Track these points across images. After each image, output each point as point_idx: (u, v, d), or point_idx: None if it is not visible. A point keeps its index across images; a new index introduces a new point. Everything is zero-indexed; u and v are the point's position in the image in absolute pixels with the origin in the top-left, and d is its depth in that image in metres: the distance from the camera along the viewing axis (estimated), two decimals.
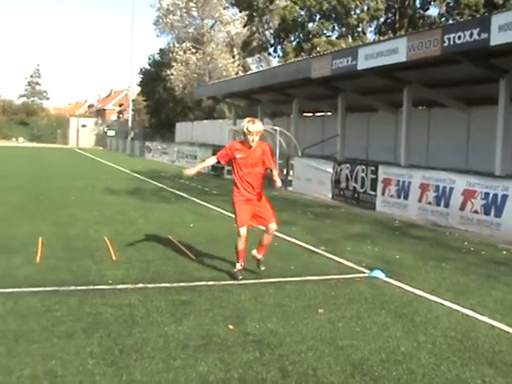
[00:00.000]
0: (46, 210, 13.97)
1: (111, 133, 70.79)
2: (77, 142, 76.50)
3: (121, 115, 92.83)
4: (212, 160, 8.25)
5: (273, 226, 7.96)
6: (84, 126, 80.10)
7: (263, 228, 8.12)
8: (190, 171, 8.18)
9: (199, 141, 42.04)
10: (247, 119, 7.79)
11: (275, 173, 7.70)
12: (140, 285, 7.33)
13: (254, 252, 8.17)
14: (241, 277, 7.78)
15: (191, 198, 17.76)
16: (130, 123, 63.26)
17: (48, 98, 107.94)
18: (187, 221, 12.78)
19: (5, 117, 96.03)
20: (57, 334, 5.51)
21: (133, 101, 65.05)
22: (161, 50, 62.21)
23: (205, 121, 50.09)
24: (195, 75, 53.61)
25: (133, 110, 65.09)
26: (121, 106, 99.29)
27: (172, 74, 53.73)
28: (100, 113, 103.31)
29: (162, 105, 61.90)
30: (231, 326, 5.91)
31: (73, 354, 5.04)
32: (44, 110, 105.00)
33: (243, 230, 7.74)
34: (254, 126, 7.63)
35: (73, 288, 7.10)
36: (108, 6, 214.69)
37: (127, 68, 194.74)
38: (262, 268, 8.19)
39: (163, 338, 5.52)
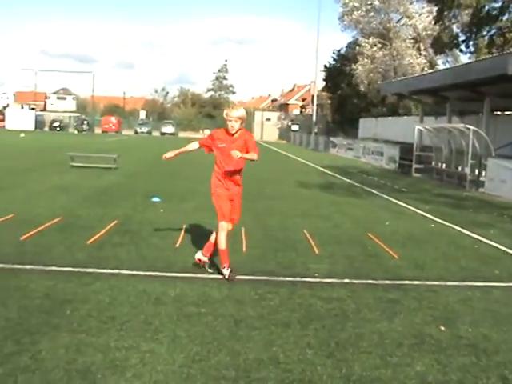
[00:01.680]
0: (245, 201, 14.43)
1: (295, 127, 72.01)
2: (261, 135, 78.61)
3: (303, 110, 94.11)
4: (194, 145, 7.54)
5: (231, 226, 7.39)
6: (268, 119, 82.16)
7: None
8: (169, 154, 7.51)
9: (383, 137, 41.56)
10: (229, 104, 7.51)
11: (246, 154, 6.99)
12: (346, 280, 7.40)
13: (200, 255, 7.49)
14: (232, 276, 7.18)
15: (382, 195, 17.62)
16: (314, 118, 63.91)
17: (234, 92, 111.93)
18: (382, 218, 12.70)
19: (194, 110, 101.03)
20: (273, 322, 5.71)
21: (316, 96, 65.60)
22: (348, 44, 62.24)
23: (389, 117, 49.42)
24: (380, 71, 53.05)
25: (316, 105, 65.67)
26: (303, 100, 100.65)
27: (357, 69, 53.55)
28: (283, 107, 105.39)
29: (345, 100, 62.00)
30: (443, 328, 5.82)
31: (291, 342, 5.20)
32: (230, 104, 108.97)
33: (225, 225, 7.20)
34: (234, 112, 6.99)
35: (281, 279, 7.32)
36: (294, 2, 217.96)
37: (310, 63, 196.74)
38: (210, 270, 7.47)
39: (377, 334, 5.54)
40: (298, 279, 7.32)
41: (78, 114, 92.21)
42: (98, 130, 75.72)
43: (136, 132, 76.03)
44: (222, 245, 7.14)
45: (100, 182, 16.93)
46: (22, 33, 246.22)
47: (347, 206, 14.61)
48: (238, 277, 7.18)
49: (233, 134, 7.09)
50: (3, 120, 73.24)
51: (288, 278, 7.33)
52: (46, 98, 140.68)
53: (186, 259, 7.94)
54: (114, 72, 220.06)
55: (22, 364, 4.45)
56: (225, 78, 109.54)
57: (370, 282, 7.41)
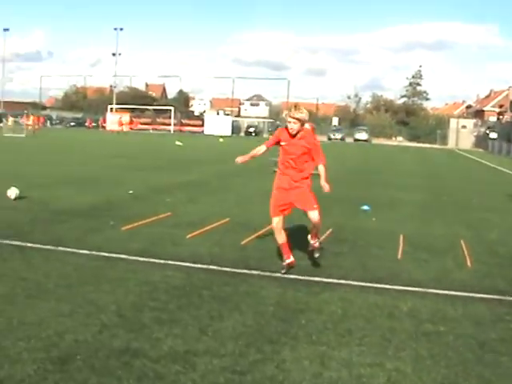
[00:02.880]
0: (454, 211, 13.90)
1: (493, 135, 68.52)
2: (456, 142, 75.84)
3: (501, 117, 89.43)
4: (262, 148, 7.54)
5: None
6: (464, 127, 79.07)
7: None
8: (241, 159, 7.62)
9: None
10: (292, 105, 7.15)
11: (322, 175, 7.39)
12: None
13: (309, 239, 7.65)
14: (283, 271, 7.31)
15: None
16: None
17: (428, 99, 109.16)
18: None
19: (387, 116, 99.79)
20: None
21: None
22: None
23: None
24: None
25: None
26: (501, 107, 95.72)
27: None
28: (478, 114, 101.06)
29: None
30: None
31: None
32: (423, 110, 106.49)
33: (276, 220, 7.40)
34: (295, 113, 7.05)
35: None
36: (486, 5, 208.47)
37: (508, 67, 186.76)
38: (316, 255, 7.66)
39: None
40: None
41: (272, 120, 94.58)
42: None
43: (329, 138, 76.41)
44: (280, 239, 7.38)
45: None
46: (218, 43, 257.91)
47: None
48: (469, 294, 6.79)
49: (294, 136, 7.20)
50: (202, 125, 76.92)
51: None
52: (240, 104, 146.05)
53: (410, 271, 7.68)
54: (304, 79, 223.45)
55: (268, 373, 4.43)
56: (418, 84, 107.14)
57: None
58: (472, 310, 6.30)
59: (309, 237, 7.68)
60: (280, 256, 7.59)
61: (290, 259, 7.32)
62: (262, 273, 7.26)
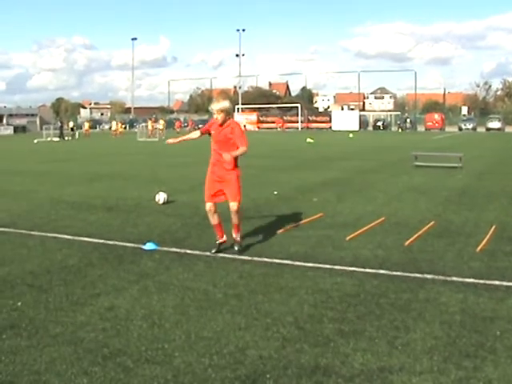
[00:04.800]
0: None
1: None
2: None
3: None
4: (196, 133, 8.35)
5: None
6: None
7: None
8: (172, 141, 8.65)
9: None
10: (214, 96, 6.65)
11: (235, 152, 7.67)
12: None
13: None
14: (213, 250, 7.91)
15: None
16: None
17: None
18: None
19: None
20: None
21: None
22: None
23: None
24: None
25: None
26: None
27: None
28: None
29: None
30: None
31: None
32: None
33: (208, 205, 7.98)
34: (216, 105, 7.68)
35: None
36: None
37: None
38: (235, 248, 7.95)
39: None
40: None
41: (398, 113, 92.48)
42: (420, 128, 74.97)
43: (460, 128, 73.58)
44: (212, 221, 8.00)
45: (452, 182, 16.16)
46: (342, 37, 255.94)
47: None
48: None
49: (221, 125, 7.74)
50: (329, 121, 76.34)
51: None
52: (364, 98, 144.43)
53: None
54: (428, 69, 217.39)
55: None
56: None
57: None
58: None
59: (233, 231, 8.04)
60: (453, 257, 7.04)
61: (222, 239, 8.01)
62: (435, 277, 6.76)
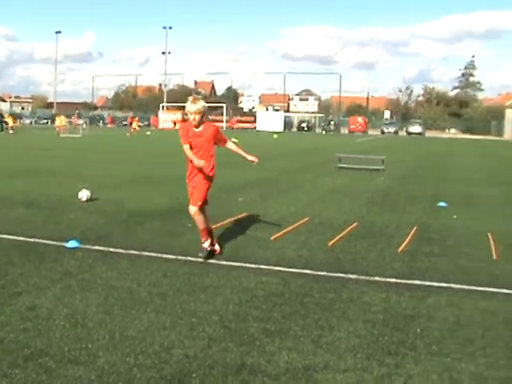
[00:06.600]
0: None
1: None
2: None
3: None
4: (187, 148, 7.53)
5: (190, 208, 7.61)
6: None
7: None
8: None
9: None
10: (189, 98, 7.45)
11: (241, 151, 7.89)
12: None
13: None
14: (200, 254, 7.53)
15: None
16: None
17: (482, 89, 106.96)
18: None
19: (438, 108, 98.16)
20: None
21: None
22: None
23: None
24: None
25: None
26: None
27: None
28: None
29: None
30: None
31: None
32: (476, 102, 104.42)
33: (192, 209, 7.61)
34: (192, 106, 7.36)
35: None
36: None
37: None
38: (200, 254, 7.56)
39: None
40: None
41: (323, 115, 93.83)
42: (343, 130, 76.32)
43: (382, 132, 75.41)
44: (199, 226, 7.65)
45: (375, 184, 16.52)
46: (270, 39, 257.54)
47: None
48: None
49: (197, 127, 7.47)
50: (254, 121, 76.73)
51: None
52: (289, 99, 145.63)
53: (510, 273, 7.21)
54: (353, 72, 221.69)
55: None
56: (471, 75, 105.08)
57: None
58: None
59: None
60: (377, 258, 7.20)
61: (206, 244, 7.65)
62: (359, 277, 6.89)
